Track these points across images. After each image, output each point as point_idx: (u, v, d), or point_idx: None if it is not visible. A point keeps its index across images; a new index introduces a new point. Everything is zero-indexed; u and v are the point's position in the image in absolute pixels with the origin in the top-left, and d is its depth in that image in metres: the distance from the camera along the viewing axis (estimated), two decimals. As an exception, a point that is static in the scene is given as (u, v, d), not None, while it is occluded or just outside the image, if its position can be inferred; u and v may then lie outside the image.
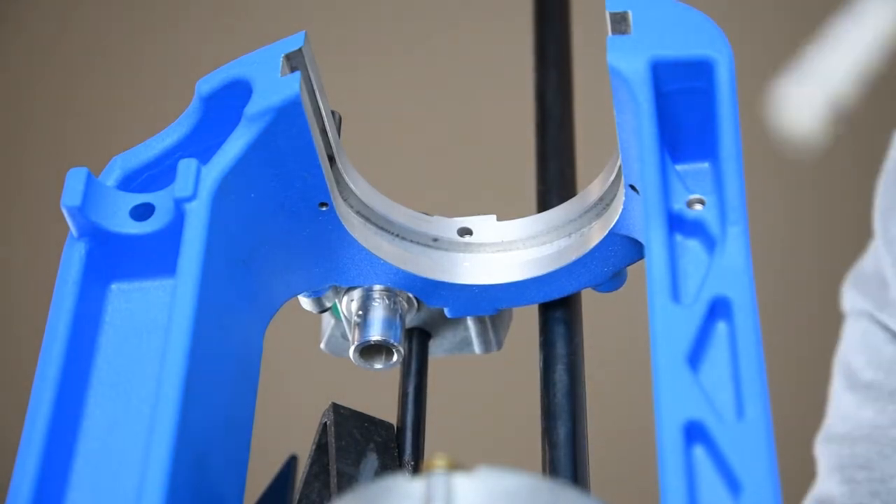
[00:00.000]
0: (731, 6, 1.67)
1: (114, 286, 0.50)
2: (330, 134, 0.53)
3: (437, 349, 0.60)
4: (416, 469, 0.55)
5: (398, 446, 0.56)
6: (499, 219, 0.56)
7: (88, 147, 1.65)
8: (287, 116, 0.50)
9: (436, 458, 0.42)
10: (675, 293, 0.46)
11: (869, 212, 0.80)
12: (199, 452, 0.47)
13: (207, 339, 0.48)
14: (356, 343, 0.55)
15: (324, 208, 0.53)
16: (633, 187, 0.51)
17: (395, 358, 0.56)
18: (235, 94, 0.51)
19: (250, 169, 0.50)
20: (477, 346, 0.59)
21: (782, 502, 0.42)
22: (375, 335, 0.55)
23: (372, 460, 0.54)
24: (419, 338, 0.59)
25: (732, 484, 0.42)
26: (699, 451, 0.43)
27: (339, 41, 1.69)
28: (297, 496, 0.55)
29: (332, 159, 0.54)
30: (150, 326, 0.49)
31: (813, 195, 1.68)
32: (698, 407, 0.44)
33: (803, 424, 1.66)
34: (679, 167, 0.50)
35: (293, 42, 0.51)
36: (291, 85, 0.50)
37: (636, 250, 0.54)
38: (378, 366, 0.56)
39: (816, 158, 1.68)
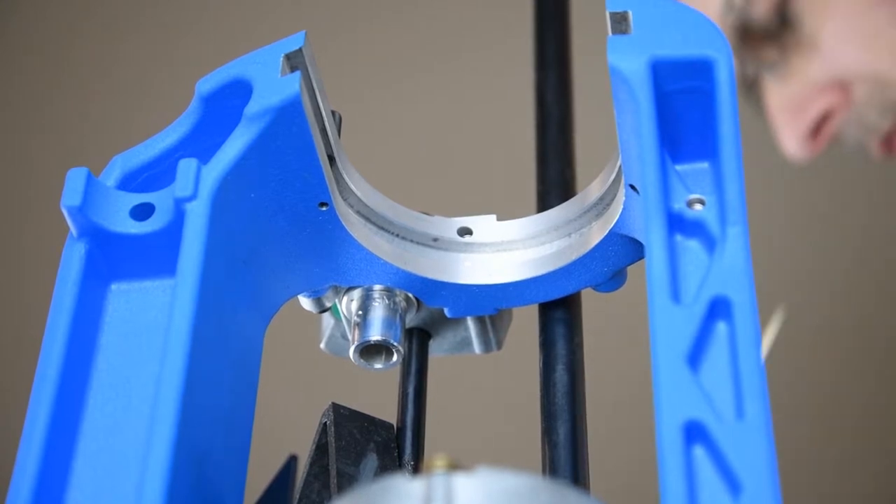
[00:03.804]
0: None
1: (114, 286, 0.50)
2: (330, 134, 0.53)
3: (437, 349, 0.60)
4: (416, 469, 0.55)
5: (398, 446, 0.56)
6: (499, 219, 0.56)
7: (88, 147, 1.65)
8: (287, 116, 0.50)
9: (436, 458, 0.42)
10: (675, 293, 0.46)
11: None
12: (199, 452, 0.47)
13: (207, 339, 0.48)
14: (356, 343, 0.55)
15: (324, 208, 0.53)
16: (632, 187, 0.51)
17: (395, 358, 0.56)
18: (235, 94, 0.51)
19: (250, 169, 0.50)
20: (477, 346, 0.59)
21: (782, 502, 0.42)
22: (375, 335, 0.55)
23: (372, 460, 0.54)
24: (419, 338, 0.59)
25: (732, 484, 0.43)
26: (699, 451, 0.43)
27: (337, 41, 1.69)
28: (296, 496, 0.55)
29: (332, 159, 0.54)
30: (150, 326, 0.49)
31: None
32: (698, 407, 0.44)
33: (803, 424, 1.66)
34: (679, 167, 0.50)
35: (293, 42, 0.51)
36: (291, 85, 0.50)
37: (636, 250, 0.54)
38: (378, 366, 0.56)
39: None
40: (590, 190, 0.55)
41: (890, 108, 1.01)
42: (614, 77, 0.48)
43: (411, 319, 0.57)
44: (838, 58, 0.99)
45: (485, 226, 0.56)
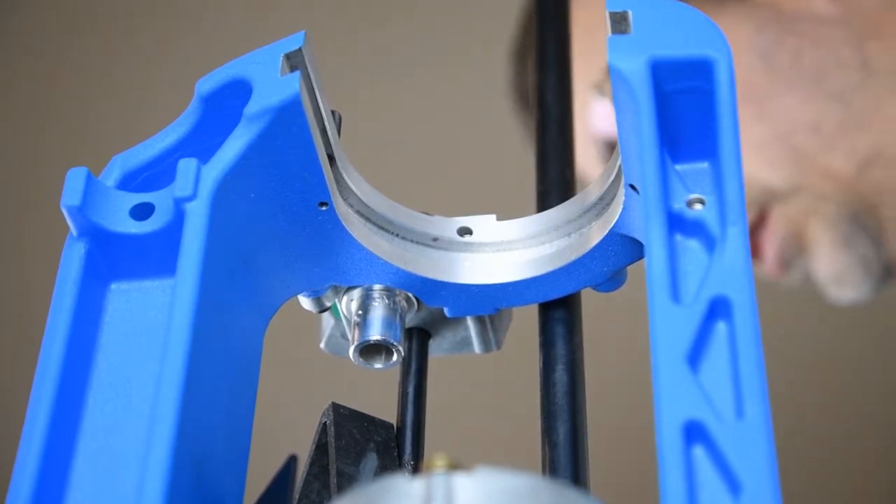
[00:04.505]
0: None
1: (113, 286, 0.50)
2: (330, 133, 0.53)
3: (437, 349, 0.60)
4: (416, 469, 0.55)
5: (398, 446, 0.56)
6: (499, 218, 0.56)
7: (88, 147, 1.65)
8: (287, 116, 0.50)
9: (436, 457, 0.42)
10: (675, 293, 0.46)
11: None
12: (199, 452, 0.47)
13: (207, 339, 0.48)
14: (356, 343, 0.55)
15: (324, 208, 0.53)
16: (632, 187, 0.51)
17: (394, 357, 0.56)
18: (235, 94, 0.51)
19: (250, 168, 0.50)
20: (477, 346, 0.59)
21: (782, 502, 0.42)
22: (375, 335, 0.55)
23: (372, 460, 0.54)
24: (419, 337, 0.59)
25: (732, 484, 0.43)
26: (699, 451, 0.43)
27: (337, 41, 1.69)
28: (296, 496, 0.55)
29: (331, 159, 0.54)
30: (150, 326, 0.49)
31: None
32: (698, 407, 0.44)
33: (804, 424, 1.66)
34: (679, 167, 0.50)
35: (293, 42, 0.51)
36: (291, 84, 0.50)
37: (636, 250, 0.54)
38: (378, 365, 0.56)
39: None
40: (590, 190, 0.55)
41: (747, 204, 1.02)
42: (614, 77, 0.48)
43: (411, 319, 0.57)
44: None
45: (485, 225, 0.56)
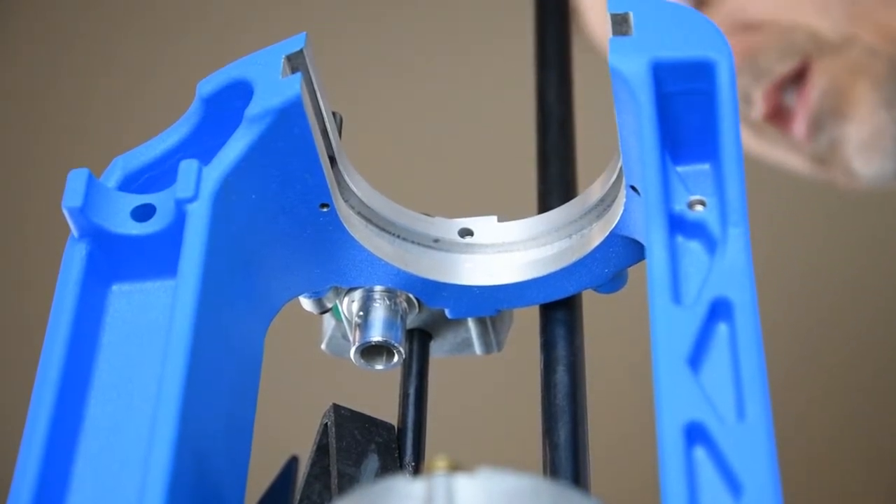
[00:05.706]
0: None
1: (115, 287, 0.50)
2: (331, 135, 0.53)
3: (438, 350, 0.60)
4: (417, 470, 0.55)
5: (399, 447, 0.56)
6: (500, 220, 0.56)
7: (89, 148, 1.65)
8: (288, 118, 0.50)
9: (437, 459, 0.42)
10: (676, 294, 0.46)
11: None
12: (200, 454, 0.47)
13: (208, 340, 0.48)
14: (357, 344, 0.55)
15: (325, 209, 0.53)
16: (633, 188, 0.51)
17: (396, 359, 0.56)
18: (236, 96, 0.51)
19: (251, 170, 0.50)
20: (478, 348, 0.59)
21: (783, 503, 0.42)
22: (376, 336, 0.55)
23: (373, 461, 0.54)
24: (420, 339, 0.59)
25: (733, 485, 0.43)
26: (700, 453, 0.43)
27: (337, 42, 1.69)
28: (297, 497, 0.55)
29: (332, 160, 0.54)
30: (152, 327, 0.49)
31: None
32: (699, 408, 0.44)
33: (803, 424, 1.66)
34: (680, 168, 0.50)
35: (294, 43, 0.51)
36: (292, 86, 0.50)
37: (637, 251, 0.54)
38: (379, 367, 0.56)
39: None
40: (591, 191, 0.55)
41: (790, 51, 0.94)
42: (615, 78, 0.48)
43: (412, 320, 0.57)
44: (746, 4, 0.93)
45: (486, 227, 0.56)
